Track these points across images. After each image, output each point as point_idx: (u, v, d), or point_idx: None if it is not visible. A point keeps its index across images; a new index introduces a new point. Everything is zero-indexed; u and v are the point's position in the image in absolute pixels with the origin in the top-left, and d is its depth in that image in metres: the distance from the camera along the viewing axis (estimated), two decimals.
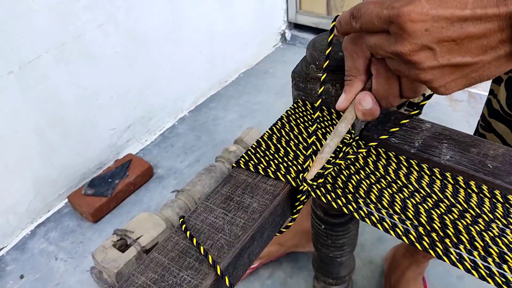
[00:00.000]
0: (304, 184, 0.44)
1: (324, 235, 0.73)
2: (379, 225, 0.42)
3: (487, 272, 0.38)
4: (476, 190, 0.45)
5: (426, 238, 0.40)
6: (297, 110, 0.54)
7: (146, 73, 1.69)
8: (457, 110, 1.87)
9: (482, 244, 0.39)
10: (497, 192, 0.45)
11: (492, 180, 0.45)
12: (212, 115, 1.95)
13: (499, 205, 0.44)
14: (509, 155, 0.47)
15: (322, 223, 0.71)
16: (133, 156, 1.65)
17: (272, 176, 0.45)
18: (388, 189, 0.46)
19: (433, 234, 0.41)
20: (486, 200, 0.44)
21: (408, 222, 0.42)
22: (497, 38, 0.33)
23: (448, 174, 0.47)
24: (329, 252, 0.77)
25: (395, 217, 0.43)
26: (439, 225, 0.41)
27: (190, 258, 0.38)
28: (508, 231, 0.41)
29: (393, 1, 0.34)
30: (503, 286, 0.37)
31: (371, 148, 0.52)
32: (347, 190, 0.46)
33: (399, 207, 0.43)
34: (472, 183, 0.46)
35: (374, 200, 0.45)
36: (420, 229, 0.41)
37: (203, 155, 1.74)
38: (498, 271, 0.38)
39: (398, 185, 0.46)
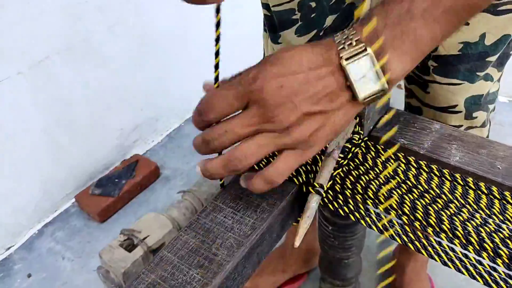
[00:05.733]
0: (312, 190, 0.44)
1: (331, 236, 0.72)
2: (385, 233, 0.42)
3: (495, 278, 0.37)
4: (485, 191, 0.45)
5: (434, 242, 0.40)
6: None
7: (154, 74, 1.69)
8: None
9: (492, 246, 0.39)
10: (507, 193, 0.44)
11: (502, 182, 0.45)
12: None
13: (509, 206, 0.44)
14: None
15: (330, 224, 0.70)
16: (140, 156, 1.66)
17: None
18: (398, 190, 0.46)
19: (442, 235, 0.41)
20: (496, 201, 0.44)
21: (417, 223, 0.42)
22: (337, 88, 0.36)
23: (457, 175, 0.47)
24: (336, 254, 0.76)
25: (404, 218, 0.43)
26: (448, 226, 0.41)
27: (199, 257, 0.38)
28: None
29: (240, 80, 0.40)
30: None
31: (380, 149, 0.52)
32: (355, 191, 0.46)
33: (408, 208, 0.44)
34: (481, 184, 0.46)
35: (383, 201, 0.45)
36: (430, 230, 0.41)
37: (210, 156, 1.74)
38: (505, 272, 0.38)
39: (408, 186, 0.46)
